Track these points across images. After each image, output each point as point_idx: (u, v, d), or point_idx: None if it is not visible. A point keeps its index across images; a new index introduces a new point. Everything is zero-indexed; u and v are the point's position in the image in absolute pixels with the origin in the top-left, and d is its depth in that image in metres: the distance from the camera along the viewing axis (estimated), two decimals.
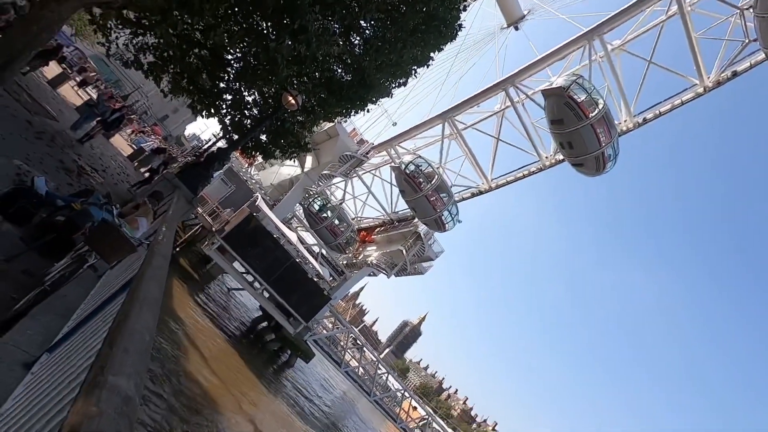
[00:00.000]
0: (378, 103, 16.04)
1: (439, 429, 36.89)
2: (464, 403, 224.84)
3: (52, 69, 19.17)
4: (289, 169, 39.23)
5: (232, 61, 14.22)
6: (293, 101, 11.07)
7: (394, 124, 41.37)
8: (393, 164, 30.55)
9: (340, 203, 34.39)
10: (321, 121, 17.88)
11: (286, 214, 31.46)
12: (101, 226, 3.91)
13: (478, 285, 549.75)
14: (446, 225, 29.70)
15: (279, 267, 23.59)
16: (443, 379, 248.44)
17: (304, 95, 11.75)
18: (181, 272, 22.67)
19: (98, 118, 13.58)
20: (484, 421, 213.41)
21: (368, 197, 35.58)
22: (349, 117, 15.91)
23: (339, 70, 13.41)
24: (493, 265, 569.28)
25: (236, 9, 10.49)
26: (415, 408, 33.65)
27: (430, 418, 33.52)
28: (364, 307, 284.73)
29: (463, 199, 32.32)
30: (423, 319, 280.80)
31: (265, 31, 11.03)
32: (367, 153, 29.59)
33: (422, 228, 31.09)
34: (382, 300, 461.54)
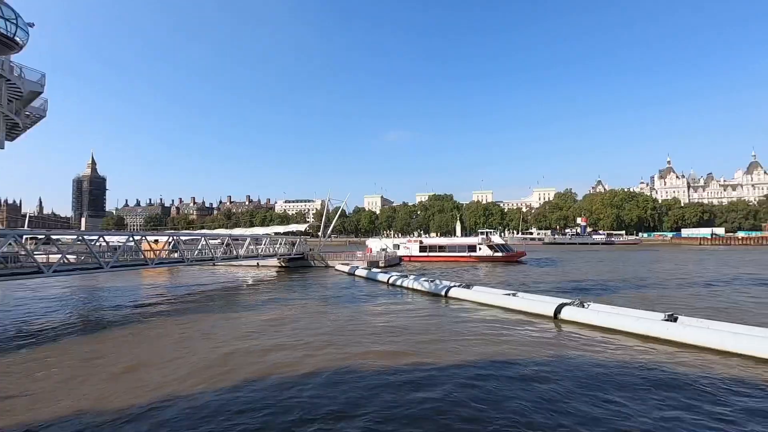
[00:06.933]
0: None
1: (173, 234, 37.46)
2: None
3: None
4: None
5: None
6: None
7: None
8: None
9: None
10: None
11: None
12: None
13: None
14: (16, 38, 21.04)
15: None
16: (161, 197, 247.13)
17: None
18: None
19: None
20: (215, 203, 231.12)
21: None
22: None
23: None
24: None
25: None
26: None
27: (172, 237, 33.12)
28: (11, 200, 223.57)
29: None
30: (92, 162, 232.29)
31: None
32: None
33: None
34: (32, 178, 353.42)
